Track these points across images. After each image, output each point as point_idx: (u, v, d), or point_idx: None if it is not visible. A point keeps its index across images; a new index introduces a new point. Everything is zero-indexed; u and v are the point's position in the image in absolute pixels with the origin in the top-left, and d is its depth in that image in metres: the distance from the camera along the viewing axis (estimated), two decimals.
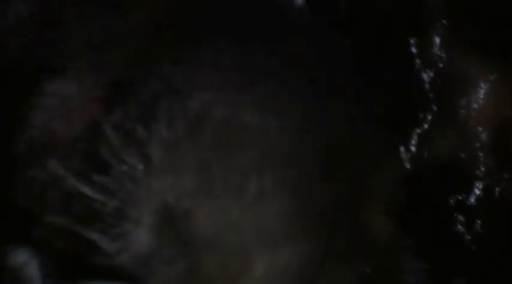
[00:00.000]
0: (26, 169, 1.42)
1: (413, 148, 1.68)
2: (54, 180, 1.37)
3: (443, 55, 1.71)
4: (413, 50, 1.72)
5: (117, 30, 1.46)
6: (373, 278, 1.43)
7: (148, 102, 1.35)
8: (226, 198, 1.30)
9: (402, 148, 1.66)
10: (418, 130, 1.70)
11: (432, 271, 1.60)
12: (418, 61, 1.72)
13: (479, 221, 1.68)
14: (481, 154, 1.69)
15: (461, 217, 1.68)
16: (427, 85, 1.71)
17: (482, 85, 1.70)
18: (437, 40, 1.71)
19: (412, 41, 1.72)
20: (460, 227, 1.68)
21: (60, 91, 1.42)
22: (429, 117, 1.70)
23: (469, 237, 1.67)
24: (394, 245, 1.47)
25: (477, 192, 1.68)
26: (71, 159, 1.38)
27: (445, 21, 1.72)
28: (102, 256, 1.31)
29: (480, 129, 1.70)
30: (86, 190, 1.34)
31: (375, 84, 1.60)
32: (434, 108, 1.71)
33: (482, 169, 1.69)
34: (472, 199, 1.68)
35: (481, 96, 1.70)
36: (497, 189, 1.68)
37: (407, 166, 1.67)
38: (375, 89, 1.58)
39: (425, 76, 1.71)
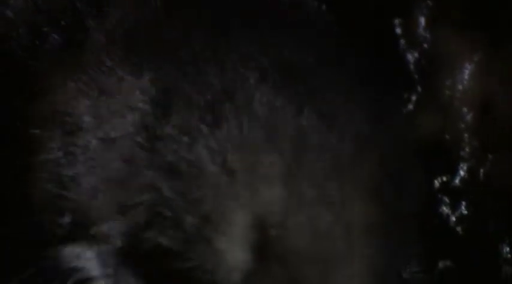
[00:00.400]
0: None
1: (397, 130, 1.67)
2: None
3: (428, 35, 1.70)
4: (398, 30, 1.70)
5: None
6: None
7: (206, 106, 1.29)
8: (316, 205, 1.25)
9: (386, 130, 1.65)
10: (402, 111, 1.69)
11: (418, 252, 1.61)
12: (402, 41, 1.70)
13: (464, 203, 1.68)
14: (465, 135, 1.69)
15: (446, 199, 1.68)
16: (411, 66, 1.70)
17: (467, 65, 1.69)
18: (422, 20, 1.70)
19: (397, 21, 1.70)
20: (445, 208, 1.68)
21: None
22: (414, 98, 1.69)
23: (454, 218, 1.67)
24: (378, 229, 1.48)
25: (462, 173, 1.68)
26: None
27: (429, 2, 1.70)
28: (197, 271, 1.24)
29: (465, 109, 1.69)
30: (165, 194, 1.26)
31: (359, 66, 1.59)
32: (419, 88, 1.70)
33: (467, 150, 1.69)
34: (457, 181, 1.68)
35: (466, 77, 1.69)
36: (481, 170, 1.68)
37: (392, 147, 1.66)
38: (360, 71, 1.58)
39: (410, 57, 1.70)
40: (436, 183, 1.68)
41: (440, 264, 1.66)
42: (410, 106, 1.69)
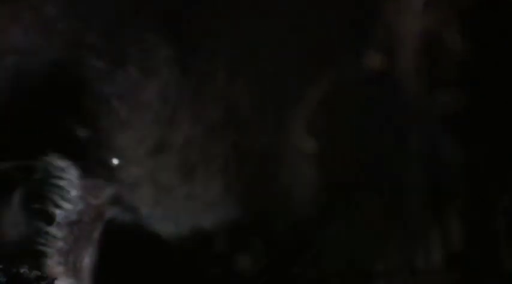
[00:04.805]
0: None
1: (342, 69, 1.69)
2: None
3: None
4: None
5: None
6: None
7: None
8: None
9: (330, 68, 1.67)
10: (349, 52, 1.71)
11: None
12: None
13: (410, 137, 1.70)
14: (412, 75, 1.71)
15: (390, 137, 1.70)
16: (356, 8, 1.72)
17: (411, 5, 1.71)
18: None
19: None
20: (389, 146, 1.70)
21: None
22: (360, 39, 1.72)
23: (399, 154, 1.70)
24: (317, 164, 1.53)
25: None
26: None
27: None
28: None
29: (411, 49, 1.71)
30: None
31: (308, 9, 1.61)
32: (365, 29, 1.72)
33: (414, 89, 1.71)
34: (403, 120, 1.71)
35: (411, 17, 1.71)
36: (426, 107, 1.70)
37: (338, 86, 1.68)
38: (308, 14, 1.60)
39: None
40: (382, 123, 1.70)
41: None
42: (357, 47, 1.72)
